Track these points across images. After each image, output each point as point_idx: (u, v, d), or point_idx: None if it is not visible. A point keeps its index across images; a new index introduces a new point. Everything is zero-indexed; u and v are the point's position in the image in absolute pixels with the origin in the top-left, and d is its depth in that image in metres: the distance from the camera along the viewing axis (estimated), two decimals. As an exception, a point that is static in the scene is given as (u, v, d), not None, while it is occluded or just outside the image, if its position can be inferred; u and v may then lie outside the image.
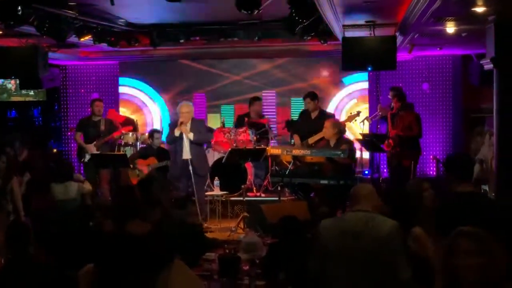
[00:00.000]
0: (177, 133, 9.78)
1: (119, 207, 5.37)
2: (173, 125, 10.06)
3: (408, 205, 5.23)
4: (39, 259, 4.25)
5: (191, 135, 9.77)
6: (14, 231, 4.57)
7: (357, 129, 11.88)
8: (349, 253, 4.36)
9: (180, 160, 9.81)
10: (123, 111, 13.66)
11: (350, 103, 13.17)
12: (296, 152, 9.78)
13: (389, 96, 11.46)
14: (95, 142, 11.00)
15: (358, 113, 11.18)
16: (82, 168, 11.67)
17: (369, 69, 9.87)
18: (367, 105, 13.08)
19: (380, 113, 11.70)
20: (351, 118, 11.12)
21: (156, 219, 5.61)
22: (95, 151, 10.87)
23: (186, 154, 9.77)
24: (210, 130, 11.28)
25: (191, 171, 9.64)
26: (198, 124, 10.08)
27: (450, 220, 4.60)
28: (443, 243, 3.29)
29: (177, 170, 10.02)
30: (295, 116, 12.31)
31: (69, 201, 9.22)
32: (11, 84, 13.32)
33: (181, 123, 9.74)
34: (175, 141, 9.90)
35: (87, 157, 10.95)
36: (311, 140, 10.41)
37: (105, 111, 12.01)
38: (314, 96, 10.96)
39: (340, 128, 9.82)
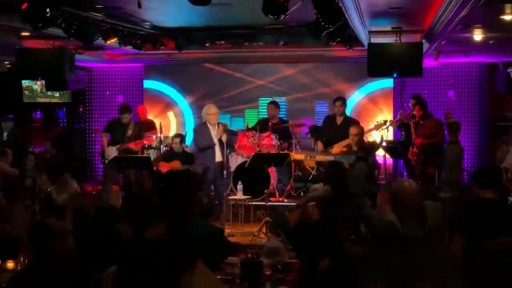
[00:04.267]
0: (215, 137, 9.93)
1: (135, 212, 5.38)
2: (199, 130, 10.11)
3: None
4: (63, 260, 4.26)
5: (224, 137, 9.85)
6: (37, 231, 4.58)
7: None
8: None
9: (214, 163, 9.85)
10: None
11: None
12: (319, 157, 9.76)
13: (410, 104, 11.41)
14: (118, 146, 11.06)
15: (384, 122, 11.11)
16: (100, 168, 11.79)
17: (395, 75, 9.83)
18: (391, 110, 13.03)
19: (400, 119, 11.64)
20: (378, 126, 11.06)
21: (177, 223, 5.61)
22: (114, 155, 10.96)
23: (219, 156, 9.83)
24: (234, 133, 11.31)
25: (219, 173, 9.73)
26: (225, 127, 10.14)
27: (472, 222, 4.57)
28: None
29: (211, 173, 10.02)
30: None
31: None
32: (37, 85, 13.43)
33: (219, 125, 9.90)
34: (208, 146, 9.97)
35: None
36: (336, 147, 10.36)
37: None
38: (345, 101, 11.02)
39: (362, 134, 9.82)
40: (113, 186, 11.25)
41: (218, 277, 4.90)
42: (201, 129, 10.18)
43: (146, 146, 11.49)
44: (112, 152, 11.04)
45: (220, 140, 9.92)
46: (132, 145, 11.04)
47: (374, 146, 10.08)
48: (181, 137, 10.96)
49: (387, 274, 4.46)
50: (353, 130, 9.66)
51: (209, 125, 10.10)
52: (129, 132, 11.13)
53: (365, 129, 10.73)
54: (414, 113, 11.00)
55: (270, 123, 11.48)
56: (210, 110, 10.07)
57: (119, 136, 11.15)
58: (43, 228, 4.55)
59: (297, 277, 5.55)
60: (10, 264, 5.35)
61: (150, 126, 12.08)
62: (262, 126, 11.57)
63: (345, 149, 10.00)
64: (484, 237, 3.44)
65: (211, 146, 9.96)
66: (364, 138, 10.04)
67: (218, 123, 10.06)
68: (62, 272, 4.11)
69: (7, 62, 12.21)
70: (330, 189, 6.68)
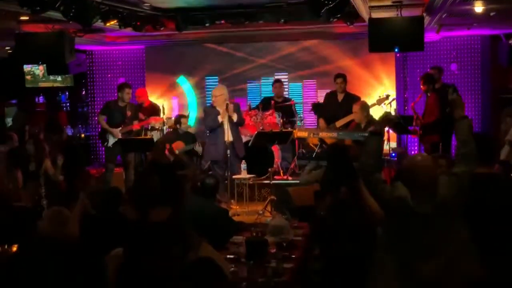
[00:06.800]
0: (220, 119, 9.85)
1: (139, 194, 5.38)
2: (209, 110, 10.07)
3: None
4: (63, 245, 4.24)
5: (235, 116, 9.80)
6: (32, 215, 4.58)
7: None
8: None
9: (223, 143, 9.80)
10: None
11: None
12: (323, 134, 9.74)
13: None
14: (120, 128, 10.90)
15: (387, 96, 11.03)
16: (103, 151, 11.68)
17: (396, 50, 9.77)
18: (393, 85, 12.97)
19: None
20: (380, 101, 10.97)
21: (181, 203, 5.61)
22: (119, 137, 10.84)
23: (229, 136, 9.78)
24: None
25: (231, 153, 9.71)
26: (235, 107, 10.05)
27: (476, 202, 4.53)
28: None
29: (218, 153, 9.95)
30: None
31: None
32: (39, 69, 13.41)
33: (227, 105, 9.78)
34: (214, 127, 9.93)
35: (111, 141, 10.85)
36: (338, 124, 10.34)
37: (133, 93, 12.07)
38: (345, 78, 10.97)
39: (368, 110, 9.72)
40: (115, 169, 11.17)
41: (224, 256, 4.92)
42: (209, 110, 10.15)
43: (150, 127, 11.41)
44: (118, 134, 10.91)
45: (229, 120, 9.84)
46: (137, 127, 10.97)
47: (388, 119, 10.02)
48: (186, 117, 10.94)
49: (397, 251, 4.44)
50: (355, 107, 9.62)
51: (217, 106, 10.03)
52: (128, 113, 10.90)
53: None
54: (422, 87, 10.93)
55: (272, 102, 11.45)
56: (214, 93, 10.03)
57: (119, 118, 10.90)
58: (38, 212, 4.55)
59: (302, 255, 5.57)
60: (15, 249, 5.36)
61: (154, 112, 11.89)
62: (264, 104, 11.55)
63: (350, 124, 9.96)
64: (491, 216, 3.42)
65: (217, 127, 9.89)
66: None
67: (227, 103, 9.95)
68: (62, 257, 4.10)
69: (8, 48, 12.17)
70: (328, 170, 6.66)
